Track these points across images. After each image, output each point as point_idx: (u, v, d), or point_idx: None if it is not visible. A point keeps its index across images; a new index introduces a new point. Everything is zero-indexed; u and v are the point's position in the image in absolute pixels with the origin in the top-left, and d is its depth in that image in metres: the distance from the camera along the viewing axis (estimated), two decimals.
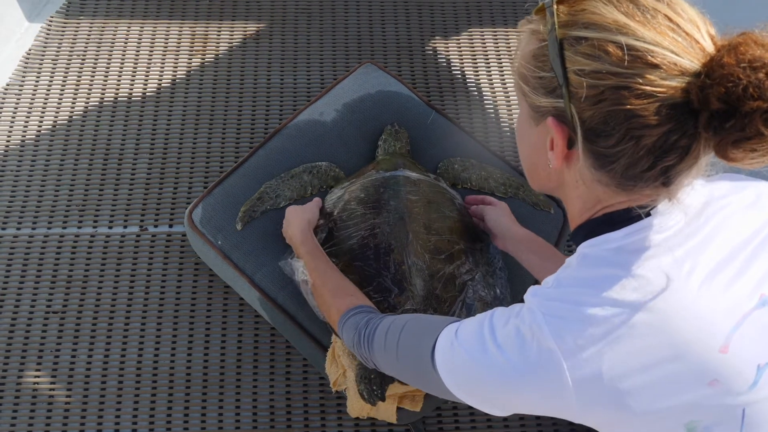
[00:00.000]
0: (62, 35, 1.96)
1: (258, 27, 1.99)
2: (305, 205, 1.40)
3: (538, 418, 1.49)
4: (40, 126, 1.80)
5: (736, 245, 0.80)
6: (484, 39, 2.00)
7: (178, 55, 1.93)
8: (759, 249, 0.81)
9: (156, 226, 1.68)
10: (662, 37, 0.69)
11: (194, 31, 1.97)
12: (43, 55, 1.92)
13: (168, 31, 1.97)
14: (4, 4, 1.92)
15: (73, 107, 1.84)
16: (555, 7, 0.75)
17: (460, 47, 1.98)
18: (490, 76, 1.93)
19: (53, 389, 1.49)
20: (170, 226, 1.68)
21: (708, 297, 0.77)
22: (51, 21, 1.98)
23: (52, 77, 1.88)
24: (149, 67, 1.90)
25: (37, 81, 1.87)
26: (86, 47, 1.93)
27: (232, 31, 1.98)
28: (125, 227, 1.67)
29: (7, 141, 1.78)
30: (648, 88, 0.69)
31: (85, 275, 1.61)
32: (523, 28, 0.80)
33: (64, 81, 1.88)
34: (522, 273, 1.35)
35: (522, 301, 0.85)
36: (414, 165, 1.48)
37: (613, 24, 0.71)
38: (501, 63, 1.96)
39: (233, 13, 2.01)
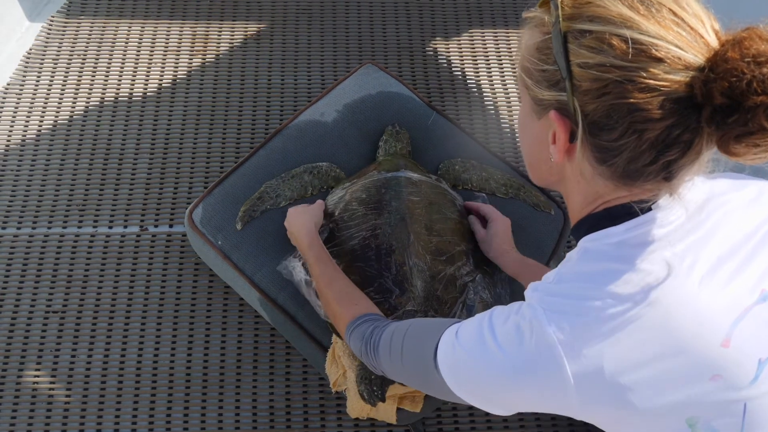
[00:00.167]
0: (63, 35, 1.96)
1: (258, 27, 1.99)
2: (311, 206, 1.38)
3: (537, 419, 1.49)
4: (40, 125, 1.80)
5: (737, 241, 0.80)
6: (484, 40, 2.00)
7: (178, 55, 1.93)
8: (760, 245, 0.81)
9: (156, 226, 1.68)
10: (666, 31, 0.69)
11: (195, 32, 1.97)
12: (43, 55, 1.92)
13: (169, 31, 1.97)
14: (5, 3, 1.92)
15: (73, 107, 1.83)
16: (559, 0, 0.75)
17: (460, 48, 1.98)
18: (491, 76, 1.93)
19: (53, 389, 1.49)
20: (170, 226, 1.68)
21: (709, 292, 0.77)
22: (52, 21, 1.98)
23: (52, 77, 1.88)
24: (150, 67, 1.90)
25: (37, 80, 1.87)
26: (87, 47, 1.93)
27: (233, 32, 1.98)
28: (125, 227, 1.67)
29: (8, 140, 1.78)
30: (652, 81, 0.69)
31: (85, 275, 1.61)
32: (526, 21, 0.80)
33: (65, 81, 1.88)
34: None
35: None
36: (415, 166, 1.48)
37: (618, 17, 0.71)
38: (501, 64, 1.96)
39: (234, 14, 2.01)
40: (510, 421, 1.49)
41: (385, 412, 1.31)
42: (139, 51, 1.93)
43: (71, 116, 1.82)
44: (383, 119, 1.60)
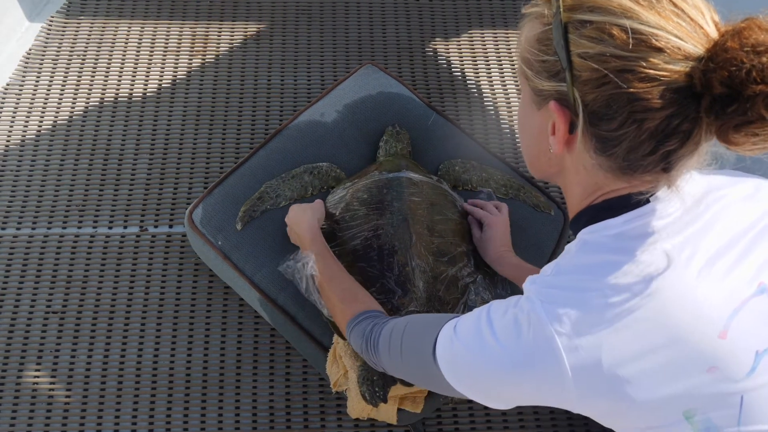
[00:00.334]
0: (63, 35, 1.95)
1: (258, 28, 1.99)
2: (312, 203, 1.38)
3: (537, 419, 1.49)
4: (40, 126, 1.80)
5: (735, 234, 0.81)
6: (484, 40, 2.00)
7: (178, 55, 1.93)
8: (758, 238, 0.81)
9: (156, 227, 1.67)
10: (666, 22, 0.70)
11: (194, 32, 1.97)
12: (43, 55, 1.92)
13: (168, 31, 1.97)
14: (5, 3, 1.92)
15: (73, 107, 1.83)
16: None
17: (460, 48, 1.98)
18: (491, 77, 1.93)
19: (53, 389, 1.49)
20: (170, 226, 1.68)
21: (707, 283, 0.78)
22: (51, 21, 1.98)
23: (52, 77, 1.88)
24: (149, 68, 1.90)
25: (37, 81, 1.87)
26: (87, 47, 1.93)
27: (233, 32, 1.98)
28: (125, 227, 1.67)
29: (7, 141, 1.78)
30: (652, 71, 0.69)
31: (84, 275, 1.61)
32: (527, 12, 0.81)
33: (65, 81, 1.87)
34: None
35: None
36: (416, 166, 1.48)
37: (618, 8, 0.71)
38: (501, 64, 1.96)
39: (233, 14, 2.01)
40: (510, 421, 1.49)
41: (386, 413, 1.31)
42: (138, 51, 1.93)
43: (71, 116, 1.82)
44: (383, 120, 1.60)
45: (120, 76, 1.88)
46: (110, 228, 1.67)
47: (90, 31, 1.96)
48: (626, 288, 0.77)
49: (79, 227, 1.67)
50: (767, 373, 0.77)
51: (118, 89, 1.86)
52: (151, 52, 1.93)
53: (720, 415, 0.77)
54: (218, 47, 1.95)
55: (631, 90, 0.70)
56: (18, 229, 1.66)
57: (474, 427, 1.48)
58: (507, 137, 1.83)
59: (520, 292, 1.34)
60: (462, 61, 1.96)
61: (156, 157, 1.76)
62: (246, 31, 1.98)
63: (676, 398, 0.77)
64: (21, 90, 1.86)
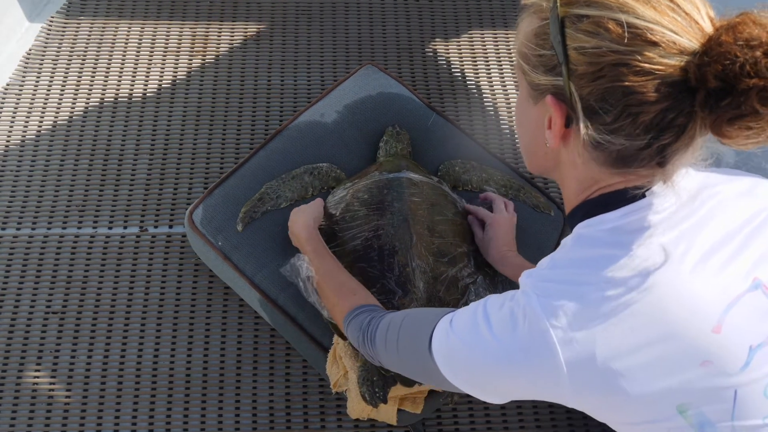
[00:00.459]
0: (63, 35, 1.95)
1: (258, 28, 1.99)
2: (310, 203, 1.39)
3: (537, 420, 1.49)
4: (40, 126, 1.80)
5: (730, 229, 0.81)
6: (484, 41, 2.00)
7: (178, 55, 1.93)
8: (753, 234, 0.82)
9: (156, 227, 1.67)
10: (662, 16, 0.70)
11: (194, 32, 1.97)
12: (43, 55, 1.92)
13: (168, 31, 1.97)
14: (5, 3, 1.92)
15: (73, 107, 1.83)
16: None
17: (460, 49, 1.98)
18: (490, 77, 1.93)
19: (52, 389, 1.49)
20: (170, 226, 1.68)
21: (701, 278, 0.78)
22: (51, 21, 1.98)
23: (52, 77, 1.88)
24: (149, 68, 1.90)
25: (37, 81, 1.87)
26: (87, 47, 1.93)
27: (233, 32, 1.98)
28: (125, 228, 1.67)
29: (7, 141, 1.78)
30: (647, 65, 0.70)
31: (84, 276, 1.61)
32: (525, 6, 0.82)
33: (65, 81, 1.87)
34: None
35: None
36: (416, 167, 1.48)
37: (614, 2, 0.72)
38: (501, 65, 1.96)
39: (233, 14, 2.01)
40: (510, 421, 1.49)
41: (386, 413, 1.31)
42: (138, 51, 1.93)
43: (71, 117, 1.82)
44: (383, 120, 1.60)
45: (120, 77, 1.88)
46: (110, 228, 1.67)
47: (90, 31, 1.96)
48: (622, 282, 0.77)
49: (79, 227, 1.67)
50: (761, 368, 0.78)
51: (118, 89, 1.86)
52: (151, 52, 1.93)
53: (713, 409, 0.78)
54: (218, 47, 1.95)
55: (626, 83, 0.71)
56: (18, 229, 1.66)
57: (474, 428, 1.48)
58: (507, 137, 1.83)
59: None
60: (462, 61, 1.96)
61: (156, 158, 1.76)
62: (246, 32, 1.98)
63: (670, 392, 0.78)
64: (21, 90, 1.86)
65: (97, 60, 1.91)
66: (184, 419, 1.46)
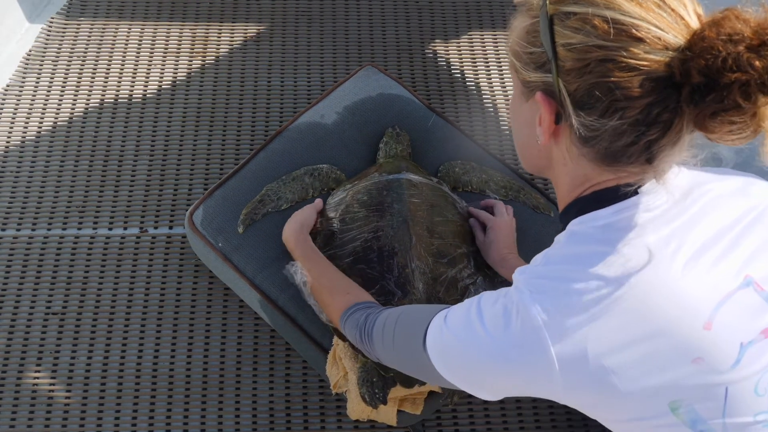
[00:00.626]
0: (63, 36, 1.96)
1: (258, 29, 1.99)
2: (302, 208, 1.40)
3: (537, 420, 1.49)
4: (40, 127, 1.80)
5: (722, 227, 0.82)
6: (484, 42, 2.01)
7: (178, 56, 1.93)
8: (745, 231, 0.82)
9: (156, 228, 1.68)
10: (648, 13, 0.71)
11: (195, 33, 1.97)
12: (43, 56, 1.92)
13: (168, 32, 1.97)
14: (5, 4, 1.92)
15: (73, 108, 1.83)
16: None
17: (460, 50, 1.99)
18: (490, 78, 1.94)
19: (52, 390, 1.49)
20: (170, 227, 1.68)
21: (693, 275, 0.78)
22: (52, 22, 1.98)
23: (52, 78, 1.88)
24: (149, 69, 1.90)
25: (37, 82, 1.87)
26: (87, 48, 1.93)
27: (233, 34, 1.98)
28: (125, 228, 1.67)
29: (7, 142, 1.78)
30: (632, 61, 0.71)
31: (84, 277, 1.61)
32: (517, 4, 0.83)
33: (65, 82, 1.88)
34: None
35: None
36: (416, 168, 1.49)
37: None
38: (501, 65, 1.96)
39: (233, 16, 2.01)
40: (510, 422, 1.49)
41: (386, 414, 1.31)
42: (138, 52, 1.93)
43: (71, 118, 1.82)
44: (383, 121, 1.60)
45: (120, 78, 1.88)
46: (110, 229, 1.67)
47: (90, 32, 1.96)
48: (614, 279, 0.78)
49: (79, 228, 1.67)
50: (752, 365, 0.78)
51: (118, 90, 1.86)
52: (151, 53, 1.93)
53: (705, 406, 0.78)
54: (218, 49, 1.95)
55: (612, 79, 0.72)
56: (18, 230, 1.66)
57: (474, 428, 1.48)
58: (507, 138, 1.83)
59: None
60: (462, 62, 1.96)
61: (156, 159, 1.76)
62: (246, 33, 1.98)
63: (661, 389, 0.78)
64: (21, 91, 1.86)
65: (97, 61, 1.91)
66: (184, 420, 1.46)
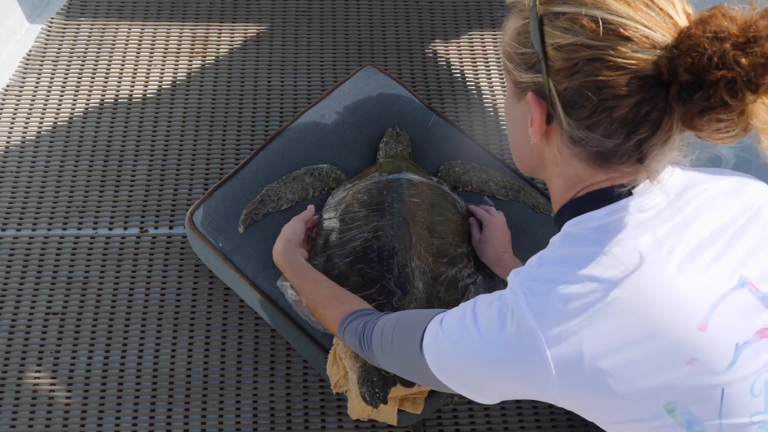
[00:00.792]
0: (63, 36, 1.96)
1: (258, 29, 1.99)
2: (288, 224, 1.39)
3: (537, 420, 1.49)
4: (40, 127, 1.80)
5: (717, 227, 0.82)
6: (484, 42, 2.01)
7: (178, 57, 1.93)
8: (739, 232, 0.82)
9: (156, 228, 1.68)
10: (635, 12, 0.72)
11: (194, 33, 1.97)
12: (43, 57, 1.92)
13: (168, 32, 1.97)
14: (5, 4, 1.92)
15: (73, 108, 1.84)
16: None
17: (460, 50, 1.99)
18: (490, 78, 1.94)
19: (53, 391, 1.49)
20: (170, 227, 1.68)
21: (687, 276, 0.78)
22: (51, 22, 1.98)
23: (52, 78, 1.88)
24: (149, 69, 1.90)
25: (37, 82, 1.87)
26: (87, 49, 1.93)
27: (233, 34, 1.98)
28: (125, 228, 1.67)
29: (7, 142, 1.78)
30: (620, 60, 0.71)
31: (85, 276, 1.61)
32: (509, 5, 0.83)
33: (65, 82, 1.88)
34: None
35: None
36: (416, 168, 1.49)
37: None
38: (501, 66, 1.96)
39: (233, 16, 2.01)
40: (510, 422, 1.49)
41: (386, 414, 1.31)
42: (138, 53, 1.93)
43: (71, 118, 1.82)
44: (383, 121, 1.60)
45: (120, 78, 1.89)
46: (110, 229, 1.67)
47: (90, 32, 1.96)
48: (608, 280, 0.77)
49: (80, 228, 1.67)
50: (748, 366, 0.78)
51: (118, 90, 1.86)
52: (151, 53, 1.93)
53: (701, 408, 0.78)
54: (218, 49, 1.95)
55: (601, 78, 0.72)
56: (18, 230, 1.66)
57: (474, 428, 1.48)
58: (507, 138, 1.82)
59: None
60: (462, 62, 1.96)
61: (156, 159, 1.76)
62: (246, 33, 1.98)
63: (657, 391, 0.78)
64: (21, 91, 1.86)
65: (97, 61, 1.91)
66: (185, 420, 1.47)
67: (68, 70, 1.90)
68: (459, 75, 1.94)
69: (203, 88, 1.88)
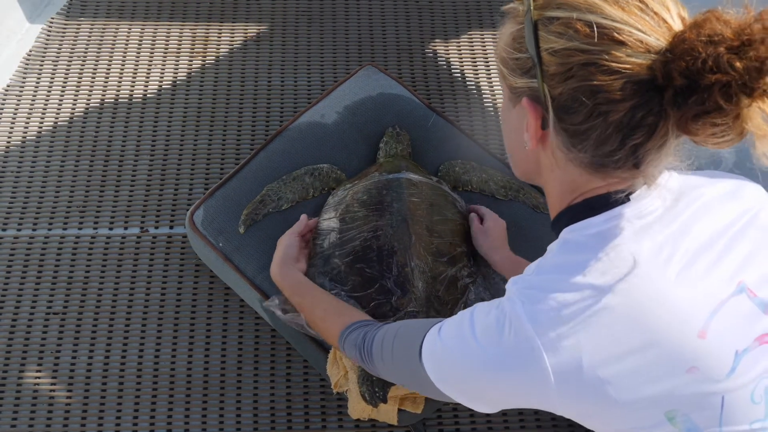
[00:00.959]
0: (63, 36, 1.96)
1: (258, 29, 2.00)
2: (283, 235, 1.37)
3: (537, 420, 1.49)
4: (40, 127, 1.81)
5: (714, 232, 0.81)
6: (484, 41, 2.01)
7: (178, 56, 1.93)
8: (737, 236, 0.82)
9: (157, 228, 1.68)
10: (629, 16, 0.71)
11: (195, 33, 1.98)
12: (43, 57, 1.92)
13: (168, 32, 1.97)
14: (5, 5, 1.92)
15: (73, 108, 1.84)
16: None
17: (460, 50, 1.99)
18: (490, 78, 1.94)
19: (54, 390, 1.49)
20: (171, 227, 1.68)
21: (686, 283, 0.78)
22: (52, 22, 1.98)
23: (52, 78, 1.88)
24: (150, 69, 1.90)
25: (37, 82, 1.88)
26: (87, 48, 1.93)
27: (233, 34, 1.98)
28: (126, 228, 1.68)
29: (8, 142, 1.78)
30: (614, 64, 0.71)
31: (85, 276, 1.61)
32: (504, 11, 0.83)
33: (65, 82, 1.88)
34: None
35: None
36: (416, 167, 1.49)
37: (584, 3, 0.73)
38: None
39: (234, 16, 2.02)
40: (510, 422, 1.49)
41: (386, 413, 1.32)
42: (139, 53, 1.93)
43: (71, 118, 1.82)
44: (383, 121, 1.60)
45: (120, 78, 1.89)
46: (111, 229, 1.67)
47: (90, 32, 1.97)
48: (607, 288, 0.77)
49: (80, 228, 1.67)
50: (747, 373, 0.78)
51: (118, 90, 1.87)
52: (152, 53, 1.93)
53: (701, 415, 0.78)
54: (218, 49, 1.95)
55: (595, 82, 0.72)
56: (19, 230, 1.67)
57: (474, 428, 1.48)
58: None
59: None
60: (462, 62, 1.96)
61: (156, 158, 1.77)
62: (246, 33, 1.98)
63: (657, 399, 0.78)
64: (21, 91, 1.86)
65: (97, 61, 1.91)
66: (185, 419, 1.47)
67: (68, 70, 1.90)
68: (459, 75, 1.94)
69: (203, 88, 1.88)
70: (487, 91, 1.92)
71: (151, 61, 1.92)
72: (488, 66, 1.96)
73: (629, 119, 0.72)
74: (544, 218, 1.54)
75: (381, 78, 1.66)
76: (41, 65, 1.90)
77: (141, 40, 1.95)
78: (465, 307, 1.30)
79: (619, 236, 0.79)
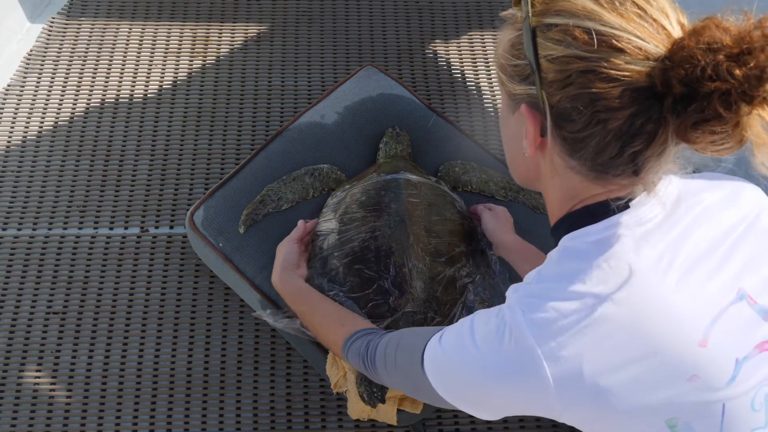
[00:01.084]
0: (63, 36, 1.96)
1: (259, 29, 2.00)
2: (282, 242, 1.37)
3: (537, 419, 1.50)
4: (41, 127, 1.81)
5: (714, 238, 0.81)
6: (484, 42, 2.01)
7: (179, 56, 1.93)
8: (737, 243, 0.81)
9: (157, 228, 1.68)
10: (628, 23, 0.71)
11: (195, 33, 1.98)
12: (44, 56, 1.92)
13: (169, 32, 1.97)
14: (6, 5, 1.92)
15: (74, 108, 1.84)
16: None
17: (460, 50, 1.99)
18: (491, 79, 1.94)
19: (54, 390, 1.49)
20: (171, 227, 1.68)
21: (687, 291, 0.78)
22: (52, 22, 1.98)
23: (53, 78, 1.88)
24: (150, 69, 1.91)
25: (38, 82, 1.88)
26: (87, 48, 1.94)
27: (233, 34, 1.98)
28: (126, 228, 1.68)
29: (8, 142, 1.78)
30: (613, 71, 0.70)
31: (85, 276, 1.61)
32: (503, 17, 0.83)
33: (66, 82, 1.88)
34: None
35: None
36: (415, 168, 1.49)
37: (582, 10, 0.72)
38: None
39: (234, 16, 2.02)
40: (510, 420, 1.49)
41: (386, 414, 1.32)
42: (139, 53, 1.93)
43: (72, 117, 1.82)
44: (383, 121, 1.60)
45: (121, 78, 1.89)
46: (111, 229, 1.68)
47: (91, 32, 1.97)
48: (607, 296, 0.77)
49: (80, 228, 1.67)
50: (748, 380, 0.77)
51: (118, 90, 1.87)
52: (152, 53, 1.94)
53: (702, 423, 0.78)
54: (219, 49, 1.95)
55: (594, 90, 0.71)
56: (19, 230, 1.67)
57: (474, 428, 1.49)
58: None
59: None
60: (462, 62, 1.97)
61: (157, 158, 1.77)
62: (246, 33, 1.99)
63: (658, 407, 0.77)
64: (22, 91, 1.86)
65: (97, 61, 1.91)
66: (185, 419, 1.47)
67: (69, 70, 1.90)
68: (459, 75, 1.94)
69: (204, 88, 1.88)
70: (487, 92, 1.92)
71: (151, 61, 1.92)
72: (488, 66, 1.96)
73: (628, 127, 0.72)
74: (544, 219, 1.53)
75: (381, 78, 1.67)
76: (42, 65, 1.91)
77: (141, 40, 1.95)
78: (464, 307, 1.31)
79: (618, 244, 0.79)
